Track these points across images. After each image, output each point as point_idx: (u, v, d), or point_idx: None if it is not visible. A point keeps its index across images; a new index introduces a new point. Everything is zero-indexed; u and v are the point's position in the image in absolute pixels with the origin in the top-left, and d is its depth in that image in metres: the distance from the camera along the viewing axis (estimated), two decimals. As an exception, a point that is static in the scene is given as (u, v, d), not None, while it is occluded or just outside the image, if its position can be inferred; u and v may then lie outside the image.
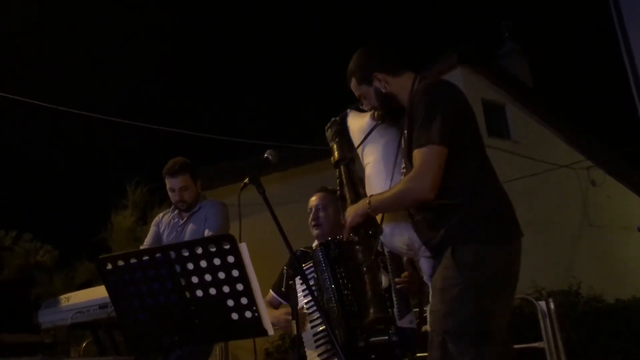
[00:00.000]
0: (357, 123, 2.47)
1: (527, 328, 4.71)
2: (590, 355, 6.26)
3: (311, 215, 2.83)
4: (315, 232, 2.80)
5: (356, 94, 2.38)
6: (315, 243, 2.74)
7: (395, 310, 2.31)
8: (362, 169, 2.44)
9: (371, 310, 2.15)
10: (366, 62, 2.31)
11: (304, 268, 2.61)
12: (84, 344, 4.52)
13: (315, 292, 2.39)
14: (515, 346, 4.09)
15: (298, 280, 2.60)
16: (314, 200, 2.89)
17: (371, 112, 2.41)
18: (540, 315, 4.12)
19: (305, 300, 2.53)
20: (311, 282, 2.50)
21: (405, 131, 2.17)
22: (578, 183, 10.45)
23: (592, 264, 9.70)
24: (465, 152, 2.08)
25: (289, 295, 2.45)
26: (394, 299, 2.32)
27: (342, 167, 2.48)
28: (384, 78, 2.26)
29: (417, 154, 2.05)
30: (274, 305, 2.85)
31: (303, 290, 2.56)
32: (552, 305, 4.13)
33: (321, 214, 2.81)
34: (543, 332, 4.07)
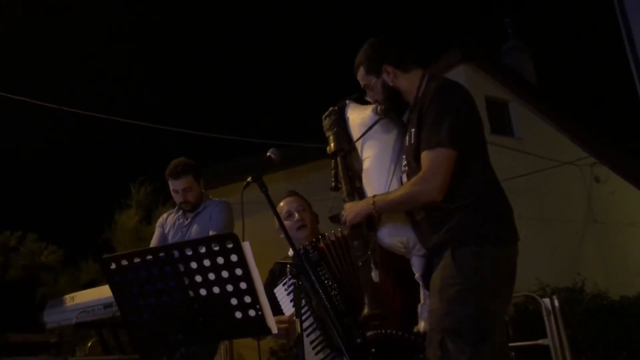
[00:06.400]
0: (358, 116, 2.45)
1: (532, 325, 4.72)
2: (595, 352, 6.24)
3: (294, 219, 2.76)
4: (302, 234, 2.72)
5: (362, 84, 2.37)
6: (290, 253, 2.69)
7: None
8: (360, 162, 2.43)
9: (366, 306, 2.14)
10: (377, 53, 2.31)
11: (283, 282, 2.60)
12: (89, 344, 4.53)
13: (303, 300, 2.35)
14: (520, 343, 4.11)
15: (282, 287, 2.59)
16: (289, 204, 2.81)
17: (374, 106, 2.40)
18: (544, 313, 4.11)
19: (294, 310, 2.50)
20: (292, 294, 2.46)
21: (413, 129, 2.16)
22: (582, 180, 10.41)
23: (596, 261, 9.67)
24: (470, 155, 2.09)
25: (295, 295, 2.43)
26: None
27: (338, 158, 2.46)
28: (393, 71, 2.26)
29: (425, 155, 2.05)
30: None
31: (290, 301, 2.54)
32: (556, 302, 4.12)
33: (304, 214, 2.78)
34: (547, 329, 4.06)
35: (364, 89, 2.39)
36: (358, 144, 2.42)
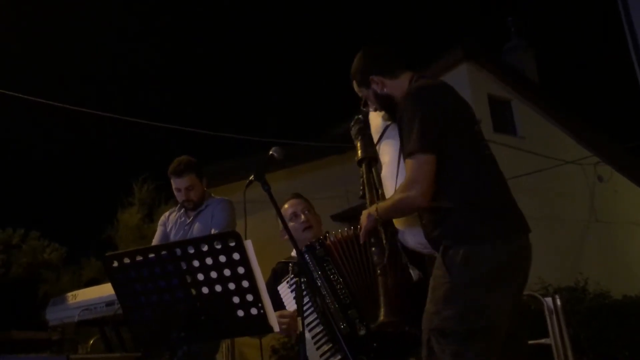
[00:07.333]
0: (375, 122, 2.50)
1: (534, 324, 4.70)
2: (597, 351, 6.23)
3: (300, 220, 2.78)
4: (308, 235, 2.72)
5: (359, 95, 2.42)
6: (294, 253, 2.69)
7: None
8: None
9: (382, 312, 2.15)
10: (363, 66, 2.36)
11: (287, 280, 2.61)
12: (91, 341, 4.54)
13: (308, 296, 2.37)
14: (522, 342, 4.10)
15: (286, 285, 2.61)
16: (294, 206, 2.83)
17: (383, 112, 2.43)
18: (546, 312, 4.11)
19: (296, 307, 2.51)
20: (295, 292, 2.47)
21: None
22: (585, 179, 10.39)
23: (599, 260, 9.65)
24: (456, 153, 2.10)
25: (297, 294, 2.44)
26: None
27: (364, 166, 2.50)
28: (380, 80, 2.30)
29: (406, 164, 2.11)
30: None
31: (294, 298, 2.55)
32: (558, 302, 4.12)
33: (309, 216, 2.80)
34: (550, 329, 4.06)
35: (365, 100, 2.43)
36: (378, 151, 2.46)
